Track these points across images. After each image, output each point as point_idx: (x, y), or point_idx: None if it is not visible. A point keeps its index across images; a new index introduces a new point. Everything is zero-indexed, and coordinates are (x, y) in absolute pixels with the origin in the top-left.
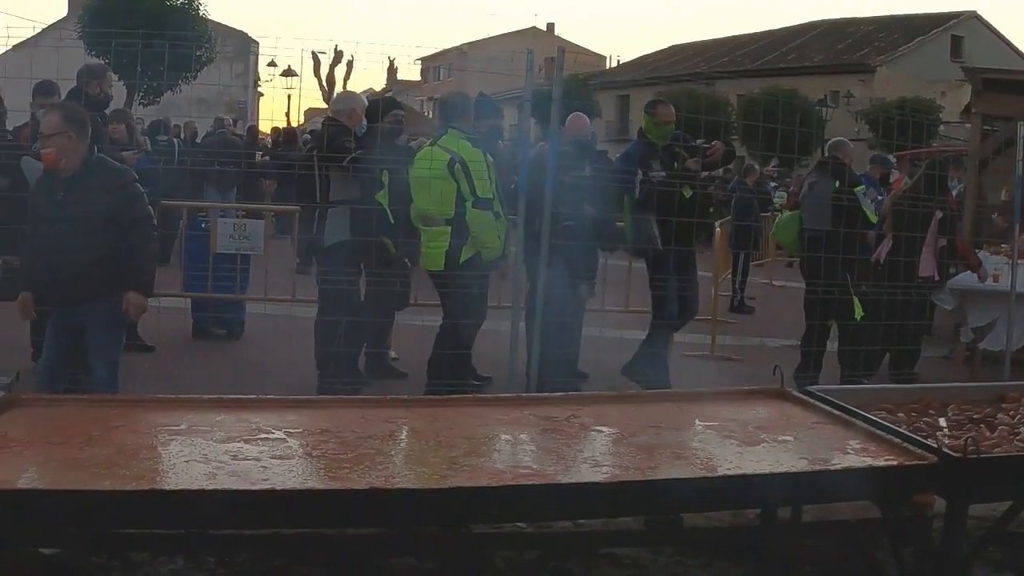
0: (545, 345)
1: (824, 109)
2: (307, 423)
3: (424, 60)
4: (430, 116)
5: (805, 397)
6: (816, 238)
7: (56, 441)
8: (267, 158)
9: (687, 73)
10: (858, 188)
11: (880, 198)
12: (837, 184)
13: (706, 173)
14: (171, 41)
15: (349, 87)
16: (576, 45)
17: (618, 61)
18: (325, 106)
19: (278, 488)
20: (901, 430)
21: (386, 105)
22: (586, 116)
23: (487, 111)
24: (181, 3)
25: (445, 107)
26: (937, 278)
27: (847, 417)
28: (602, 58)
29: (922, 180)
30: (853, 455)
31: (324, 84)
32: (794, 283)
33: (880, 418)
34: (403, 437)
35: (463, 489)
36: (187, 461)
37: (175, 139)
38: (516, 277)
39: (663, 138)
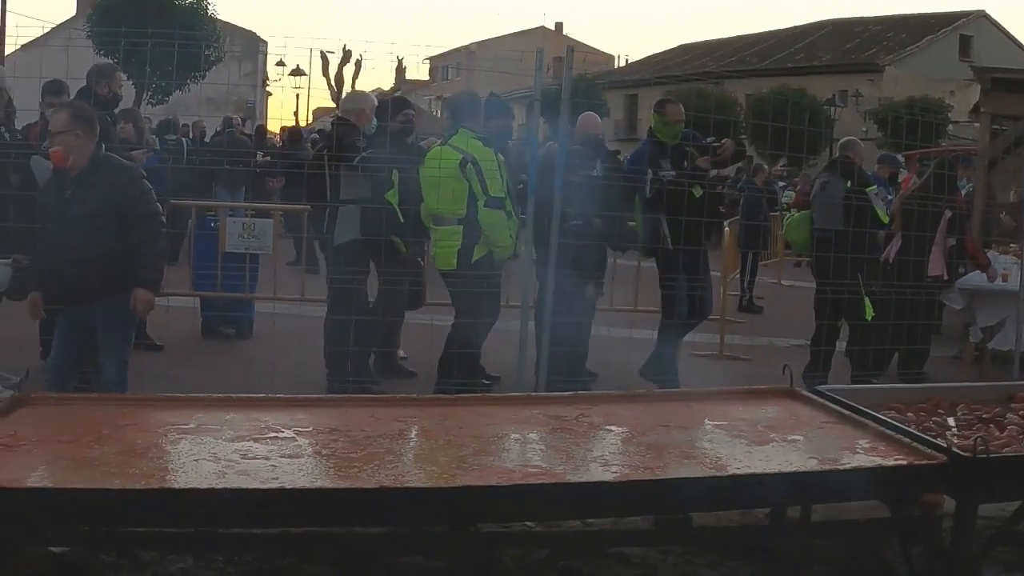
0: (554, 344)
1: (832, 109)
2: (317, 422)
3: (432, 60)
4: (438, 115)
5: (814, 396)
6: (828, 238)
7: (65, 440)
8: (267, 158)
9: (696, 72)
10: (870, 188)
11: (890, 197)
12: (849, 184)
13: (715, 172)
14: (180, 40)
15: (358, 86)
16: (584, 44)
17: (626, 60)
18: (334, 105)
19: (288, 487)
20: (910, 430)
21: (397, 104)
22: (597, 115)
23: (498, 110)
24: (190, 2)
25: (455, 107)
26: (946, 278)
27: (856, 417)
28: (610, 57)
29: (931, 179)
30: (862, 455)
31: (332, 83)
32: (802, 282)
33: (889, 418)
34: (413, 436)
35: (473, 488)
36: (196, 460)
37: (184, 138)
38: (525, 276)
39: (673, 137)
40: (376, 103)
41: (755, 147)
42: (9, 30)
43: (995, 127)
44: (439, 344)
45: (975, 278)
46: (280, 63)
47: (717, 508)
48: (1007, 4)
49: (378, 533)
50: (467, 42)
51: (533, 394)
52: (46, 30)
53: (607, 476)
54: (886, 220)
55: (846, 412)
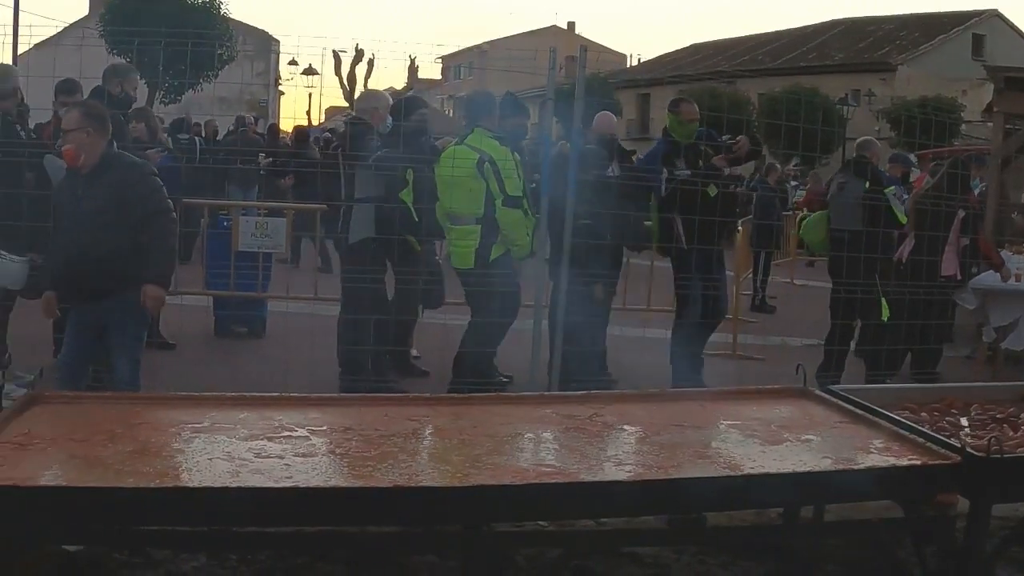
0: (569, 344)
1: (845, 108)
2: (330, 421)
3: (444, 59)
4: (450, 115)
5: (828, 396)
6: (845, 238)
7: (79, 438)
8: (270, 160)
9: (708, 72)
10: (889, 189)
11: (906, 197)
12: (867, 185)
13: (728, 170)
14: (192, 40)
15: (370, 86)
16: (596, 43)
17: (639, 60)
18: (346, 104)
19: (301, 486)
20: (924, 430)
21: (412, 104)
22: (613, 115)
23: (514, 110)
24: (203, 2)
25: (471, 106)
26: (959, 277)
27: (870, 416)
28: (622, 57)
29: (944, 179)
30: (876, 455)
31: (345, 83)
32: (815, 282)
33: (903, 417)
34: (426, 435)
35: (486, 487)
36: (210, 459)
37: (196, 137)
38: (538, 276)
39: (687, 136)
40: (391, 102)
41: (768, 146)
42: (22, 29)
43: (1008, 126)
44: (452, 343)
45: (988, 278)
46: (292, 62)
47: (730, 508)
48: (1020, 3)
49: (391, 532)
50: (479, 41)
51: (547, 393)
52: (59, 29)
53: (621, 475)
54: (904, 221)
55: (860, 412)
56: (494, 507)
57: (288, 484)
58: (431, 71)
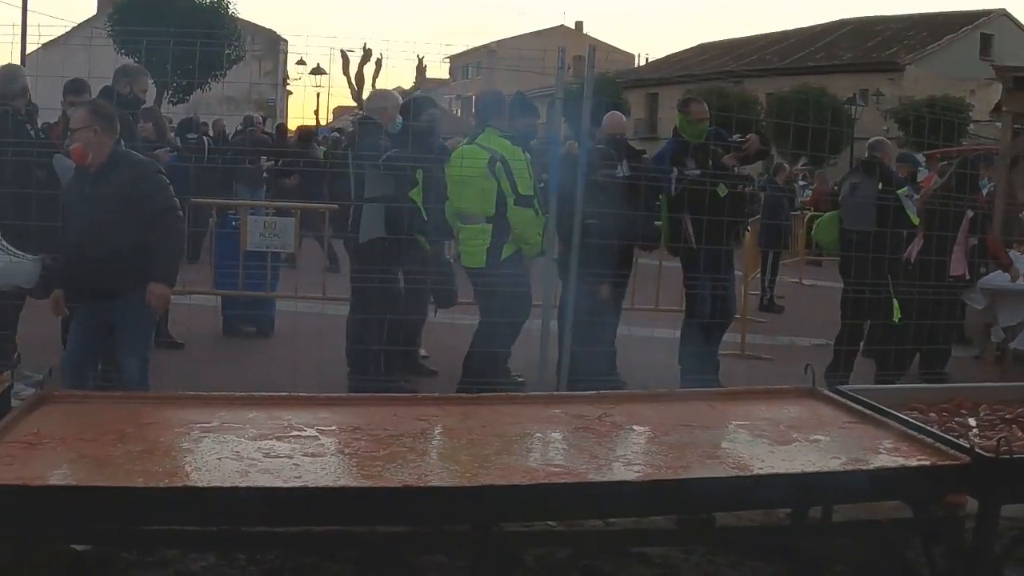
0: (578, 344)
1: (853, 108)
2: (339, 420)
3: (452, 58)
4: (458, 114)
5: (836, 396)
6: (857, 239)
7: (88, 437)
8: (271, 161)
9: (716, 71)
10: (901, 190)
11: (916, 197)
12: (880, 185)
13: (737, 169)
14: (201, 40)
15: (378, 85)
16: (604, 43)
17: (647, 59)
18: (354, 104)
19: (310, 486)
20: (933, 430)
21: (422, 103)
22: (622, 115)
23: (523, 110)
24: (211, 2)
25: (481, 105)
26: (968, 277)
27: (879, 417)
28: (630, 56)
29: (953, 179)
30: (885, 455)
31: (353, 82)
32: (823, 282)
33: (912, 418)
34: (435, 435)
35: (495, 487)
36: (219, 458)
37: (204, 137)
38: (547, 275)
39: (697, 136)
40: (400, 101)
41: (776, 146)
42: (31, 29)
43: (1016, 126)
44: (460, 343)
45: (997, 278)
46: (300, 62)
47: (739, 508)
48: None
49: (400, 532)
50: (487, 41)
51: (556, 393)
52: (67, 29)
53: (630, 476)
54: (916, 222)
55: (868, 412)
56: (503, 507)
57: (297, 484)
58: (439, 71)
